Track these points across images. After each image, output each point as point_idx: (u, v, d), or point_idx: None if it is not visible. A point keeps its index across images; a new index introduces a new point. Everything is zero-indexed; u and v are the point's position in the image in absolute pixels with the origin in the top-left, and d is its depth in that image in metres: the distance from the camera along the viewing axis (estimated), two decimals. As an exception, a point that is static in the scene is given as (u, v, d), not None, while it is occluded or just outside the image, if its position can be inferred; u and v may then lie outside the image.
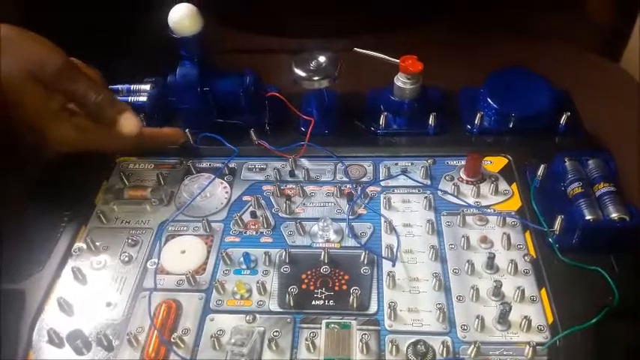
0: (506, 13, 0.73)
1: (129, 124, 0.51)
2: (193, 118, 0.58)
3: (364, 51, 0.58)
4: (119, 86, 0.61)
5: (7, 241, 0.51)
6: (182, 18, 0.53)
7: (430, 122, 0.56)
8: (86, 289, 0.47)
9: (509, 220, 0.49)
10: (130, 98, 0.60)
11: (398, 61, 0.55)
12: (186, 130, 0.58)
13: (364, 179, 0.54)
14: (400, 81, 0.56)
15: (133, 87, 0.61)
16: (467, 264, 0.45)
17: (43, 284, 0.47)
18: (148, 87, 0.60)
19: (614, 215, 0.45)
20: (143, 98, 0.60)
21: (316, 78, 0.55)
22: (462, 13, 0.73)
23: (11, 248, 0.50)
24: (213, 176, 0.55)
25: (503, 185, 0.52)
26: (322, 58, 0.56)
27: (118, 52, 0.69)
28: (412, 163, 0.55)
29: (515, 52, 0.69)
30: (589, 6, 0.79)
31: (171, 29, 0.54)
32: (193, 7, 0.53)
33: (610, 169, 0.49)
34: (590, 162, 0.49)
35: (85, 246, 0.50)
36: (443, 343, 0.41)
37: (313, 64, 0.55)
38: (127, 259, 0.49)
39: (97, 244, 0.50)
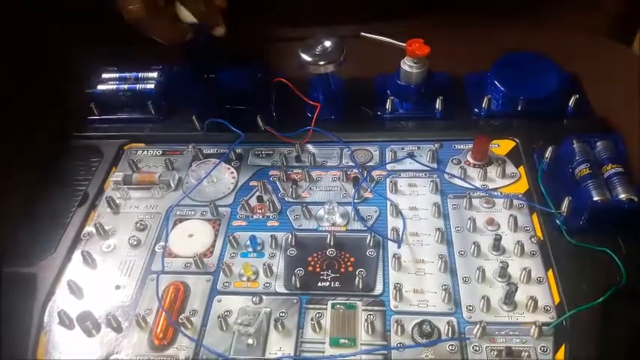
0: (515, 2, 0.72)
1: None
2: (200, 104, 0.58)
3: (371, 35, 0.58)
4: (127, 74, 0.61)
5: (19, 226, 0.52)
6: None
7: (437, 106, 0.56)
8: (96, 272, 0.48)
9: (516, 202, 0.49)
10: (137, 85, 0.60)
11: (404, 44, 0.55)
12: (193, 117, 0.58)
13: (370, 164, 0.54)
14: (407, 65, 0.56)
15: (140, 74, 0.61)
16: (473, 246, 0.45)
17: (54, 268, 0.48)
18: (155, 74, 0.61)
19: (623, 196, 0.44)
20: (151, 85, 0.60)
21: (322, 62, 0.55)
22: (465, 2, 0.72)
23: (23, 233, 0.51)
24: (220, 161, 0.55)
25: (510, 168, 0.51)
26: (328, 43, 0.55)
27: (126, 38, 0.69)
28: (419, 147, 0.54)
29: (525, 38, 0.68)
30: None
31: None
32: None
33: (619, 150, 0.48)
34: (598, 144, 0.49)
35: (94, 230, 0.51)
36: (448, 323, 0.41)
37: (319, 48, 0.55)
38: (135, 242, 0.49)
39: (107, 228, 0.51)
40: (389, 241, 0.47)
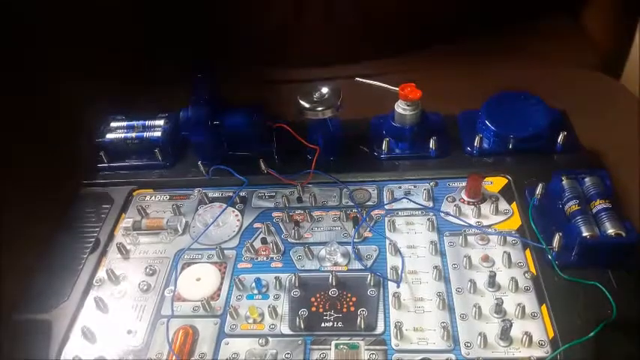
0: (505, 36, 0.76)
1: None
2: (205, 150, 0.61)
3: (365, 80, 0.61)
4: (134, 122, 0.64)
5: (33, 274, 0.54)
6: None
7: (431, 146, 0.58)
8: (108, 317, 0.50)
9: (509, 238, 0.51)
10: (145, 133, 0.63)
11: (397, 89, 0.58)
12: (199, 163, 0.61)
13: (369, 203, 0.56)
14: (400, 108, 0.58)
15: (147, 122, 0.64)
16: (469, 283, 0.47)
17: (68, 314, 0.50)
18: (162, 122, 0.64)
19: (611, 231, 0.46)
20: (158, 133, 0.63)
21: (320, 108, 0.57)
22: (460, 37, 0.75)
23: (38, 280, 0.53)
24: (225, 205, 0.58)
25: (503, 205, 0.53)
26: (325, 90, 0.58)
27: (135, 88, 0.73)
28: (415, 186, 0.57)
29: (515, 74, 0.71)
30: (587, 24, 0.81)
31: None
32: None
33: (606, 186, 0.50)
34: (586, 179, 0.51)
35: (105, 276, 0.53)
36: (447, 360, 0.42)
37: (317, 95, 0.58)
38: (145, 287, 0.51)
39: (117, 274, 0.53)
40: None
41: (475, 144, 0.58)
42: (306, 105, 0.58)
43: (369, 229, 0.54)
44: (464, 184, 0.55)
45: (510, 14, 0.76)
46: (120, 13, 0.74)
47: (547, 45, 0.76)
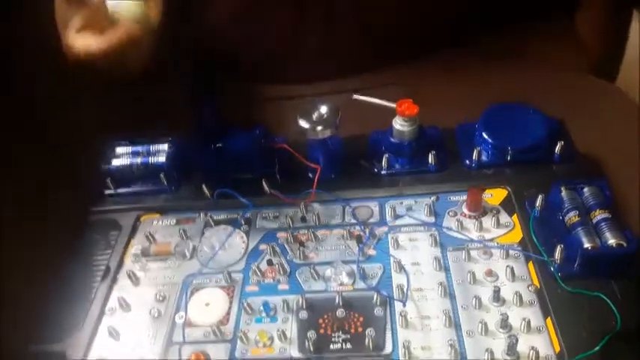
0: (503, 41, 0.76)
1: None
2: (209, 173, 0.62)
3: (362, 97, 0.62)
4: (139, 147, 0.65)
5: (46, 304, 0.55)
6: None
7: (430, 160, 0.59)
8: (121, 346, 0.51)
9: (511, 252, 0.51)
10: (150, 158, 0.64)
11: (394, 105, 0.59)
12: (203, 186, 0.62)
13: (371, 220, 0.57)
14: (398, 124, 0.59)
15: (152, 147, 0.65)
16: (474, 299, 0.48)
17: (82, 344, 0.51)
18: (165, 146, 0.65)
19: (612, 242, 0.47)
20: (162, 158, 0.64)
21: (319, 128, 0.58)
22: (454, 47, 0.76)
23: (50, 310, 0.54)
24: (230, 227, 0.59)
25: (504, 217, 0.54)
26: (324, 109, 0.59)
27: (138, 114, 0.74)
28: (416, 202, 0.57)
29: (512, 79, 0.71)
30: (579, 26, 0.81)
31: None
32: None
33: (605, 195, 0.51)
34: (585, 190, 0.52)
35: (117, 304, 0.54)
36: (455, 378, 0.43)
37: (316, 115, 0.59)
38: (156, 314, 0.52)
39: (128, 301, 0.54)
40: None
41: (474, 157, 0.58)
42: (306, 125, 0.58)
43: (372, 247, 0.55)
44: (464, 197, 0.56)
45: (508, 17, 0.76)
46: None
47: (544, 47, 0.77)
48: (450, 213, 0.56)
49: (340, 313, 0.50)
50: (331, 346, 0.47)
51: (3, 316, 0.49)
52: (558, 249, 0.48)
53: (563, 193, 0.52)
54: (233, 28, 0.75)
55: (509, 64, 0.74)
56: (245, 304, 0.51)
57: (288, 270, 0.54)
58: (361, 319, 0.49)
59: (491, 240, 0.53)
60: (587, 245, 0.47)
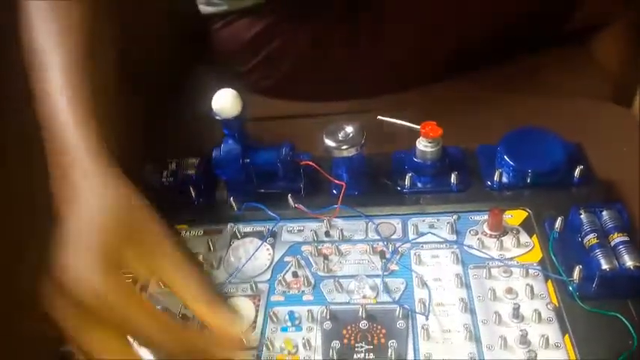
0: (516, 71, 0.78)
1: None
2: (236, 187, 0.65)
3: (387, 119, 0.64)
4: (169, 161, 0.68)
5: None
6: (225, 103, 0.60)
7: (452, 180, 0.61)
8: (146, 353, 0.53)
9: (531, 271, 0.53)
10: (179, 172, 0.67)
11: (419, 127, 0.61)
12: (231, 199, 0.64)
13: (394, 236, 0.59)
14: (422, 144, 0.61)
15: (182, 161, 0.68)
16: (494, 315, 0.49)
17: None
18: (195, 161, 0.67)
19: (630, 264, 0.49)
20: (192, 171, 0.66)
21: (345, 147, 0.61)
22: (472, 72, 0.78)
23: None
24: (255, 239, 0.61)
25: (524, 237, 0.56)
26: (349, 129, 0.62)
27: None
28: (438, 220, 0.59)
29: (530, 105, 0.73)
30: (598, 53, 0.83)
31: (214, 112, 0.61)
32: (234, 92, 0.60)
33: (623, 219, 0.52)
34: (604, 213, 0.53)
35: (148, 310, 0.56)
36: (476, 391, 0.45)
37: (341, 134, 0.61)
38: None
39: (158, 307, 0.56)
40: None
41: (495, 178, 0.60)
42: (332, 144, 0.61)
43: (395, 262, 0.56)
44: (486, 217, 0.57)
45: (528, 43, 0.79)
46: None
47: (563, 74, 0.79)
48: (472, 232, 0.57)
49: (363, 324, 0.51)
50: (355, 356, 0.49)
51: None
52: (577, 269, 0.50)
53: (583, 216, 0.53)
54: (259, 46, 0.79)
55: (529, 89, 0.76)
56: (271, 313, 0.53)
57: (313, 282, 0.56)
58: (384, 331, 0.50)
59: (512, 259, 0.54)
60: (605, 267, 0.49)
